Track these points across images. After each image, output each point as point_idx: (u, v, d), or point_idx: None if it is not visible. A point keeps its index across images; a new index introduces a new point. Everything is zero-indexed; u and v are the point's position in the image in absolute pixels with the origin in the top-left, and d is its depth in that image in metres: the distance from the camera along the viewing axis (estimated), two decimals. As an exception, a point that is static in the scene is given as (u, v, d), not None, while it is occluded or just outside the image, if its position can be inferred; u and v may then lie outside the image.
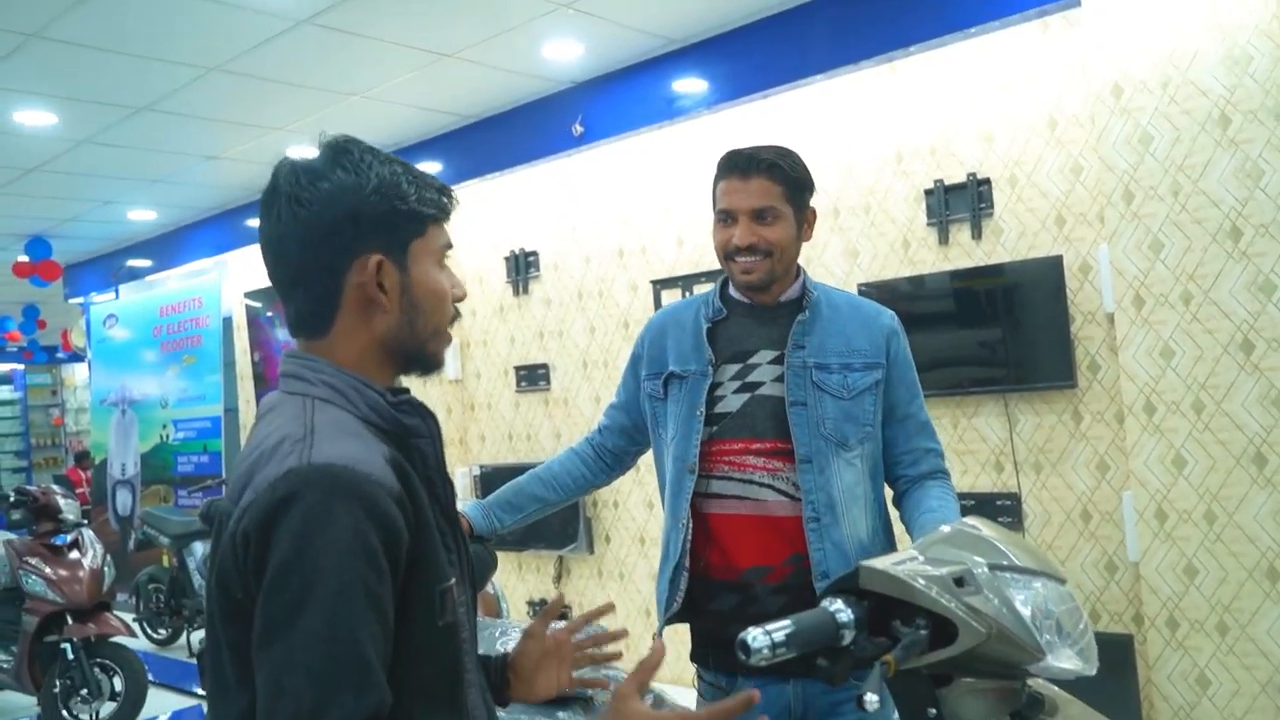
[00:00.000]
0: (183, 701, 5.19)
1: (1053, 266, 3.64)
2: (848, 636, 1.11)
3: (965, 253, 3.91)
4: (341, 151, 1.16)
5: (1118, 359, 3.47)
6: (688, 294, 4.78)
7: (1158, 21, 3.32)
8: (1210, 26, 3.24)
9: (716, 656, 1.90)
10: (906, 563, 1.17)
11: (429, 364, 1.24)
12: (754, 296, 1.93)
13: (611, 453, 2.17)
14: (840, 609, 1.13)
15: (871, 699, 1.01)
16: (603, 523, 5.20)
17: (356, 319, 1.17)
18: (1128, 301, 3.41)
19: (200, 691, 5.11)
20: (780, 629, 1.08)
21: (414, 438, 1.18)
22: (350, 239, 1.14)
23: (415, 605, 1.08)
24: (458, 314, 1.27)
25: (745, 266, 1.87)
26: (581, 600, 5.31)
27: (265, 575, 1.00)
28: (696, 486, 1.89)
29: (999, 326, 3.79)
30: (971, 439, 3.91)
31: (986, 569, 1.18)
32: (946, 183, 3.94)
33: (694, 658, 1.95)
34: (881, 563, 1.16)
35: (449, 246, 1.24)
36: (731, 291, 1.98)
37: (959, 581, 1.15)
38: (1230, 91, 3.22)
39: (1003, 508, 3.83)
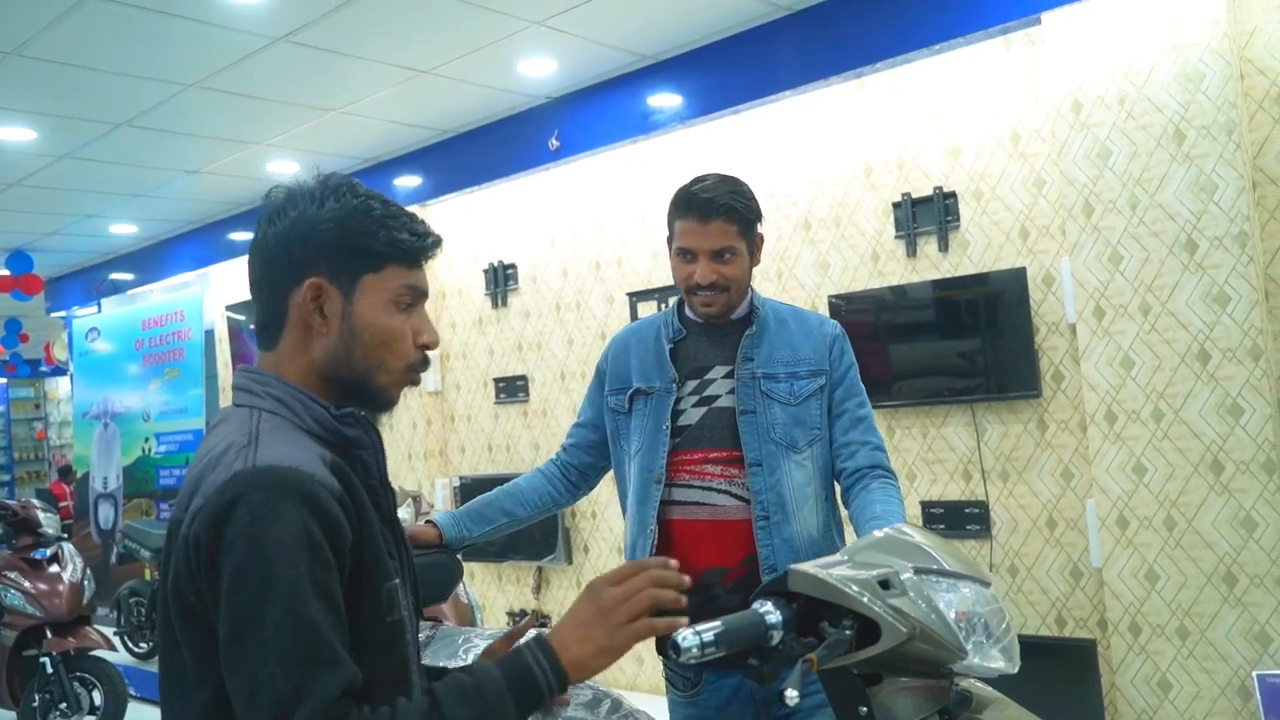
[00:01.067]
0: (162, 714, 5.19)
1: (1017, 278, 3.72)
2: (776, 637, 1.17)
3: (933, 265, 3.98)
4: (320, 183, 1.25)
5: (1080, 369, 3.54)
6: (663, 306, 4.84)
7: (1115, 40, 3.41)
8: (1165, 45, 3.32)
9: None
10: (834, 566, 1.23)
11: (374, 399, 1.27)
12: (710, 320, 2.06)
13: (579, 470, 2.26)
14: (769, 610, 1.18)
15: (791, 694, 1.06)
16: (581, 533, 5.25)
17: (299, 337, 1.23)
18: (1089, 312, 3.49)
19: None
20: (709, 629, 1.13)
21: (356, 449, 1.24)
22: (299, 261, 1.21)
23: (364, 601, 1.14)
24: (425, 361, 1.29)
25: (706, 300, 2.00)
26: (561, 610, 5.35)
27: (221, 578, 1.05)
28: (663, 495, 2.00)
29: (968, 337, 3.86)
30: (940, 448, 3.97)
31: (912, 572, 1.24)
32: (914, 196, 4.02)
33: (659, 650, 2.02)
34: (809, 566, 1.22)
35: (416, 291, 1.26)
36: (688, 312, 2.11)
37: (884, 584, 1.20)
38: (1184, 108, 3.30)
39: (971, 515, 3.90)
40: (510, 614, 5.54)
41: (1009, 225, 3.81)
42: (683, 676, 2.03)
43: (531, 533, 5.22)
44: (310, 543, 1.07)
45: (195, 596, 1.09)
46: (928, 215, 4.00)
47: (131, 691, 4.78)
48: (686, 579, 1.17)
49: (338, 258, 1.21)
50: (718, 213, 1.94)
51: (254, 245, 1.25)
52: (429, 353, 1.29)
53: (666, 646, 1.14)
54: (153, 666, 6.20)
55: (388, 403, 1.28)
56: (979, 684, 1.39)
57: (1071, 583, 3.70)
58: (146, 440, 7.83)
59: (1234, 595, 3.24)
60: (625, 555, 2.11)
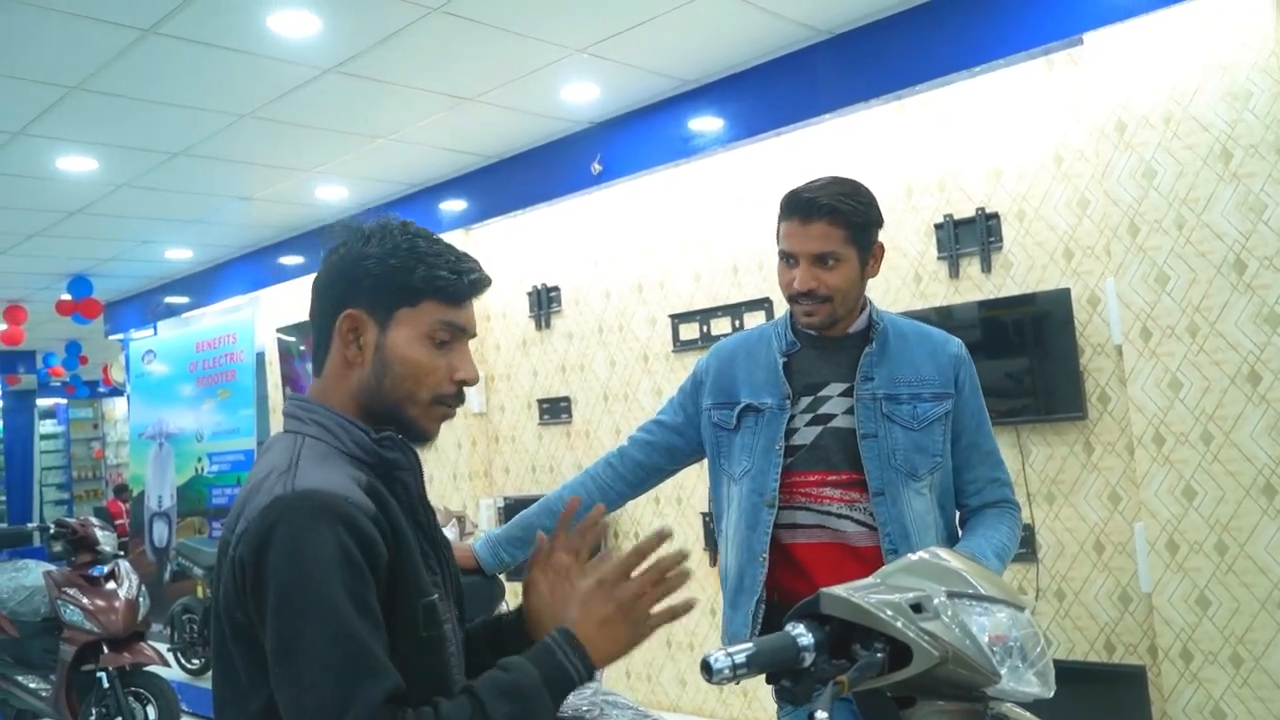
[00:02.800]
0: (213, 730, 5.28)
1: (1061, 299, 3.68)
2: (808, 659, 1.18)
3: (975, 286, 3.97)
4: (376, 224, 1.31)
5: (1126, 390, 3.50)
6: (705, 328, 4.87)
7: (1159, 59, 3.39)
8: (1210, 63, 3.29)
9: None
10: (867, 590, 1.24)
11: (409, 429, 1.31)
12: (820, 330, 1.94)
13: (642, 468, 2.12)
14: (801, 633, 1.19)
15: (821, 716, 1.07)
16: (622, 553, 5.25)
17: (340, 365, 1.30)
18: (1135, 334, 3.45)
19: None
20: (741, 651, 1.15)
21: (396, 470, 1.30)
22: (342, 293, 1.29)
23: (400, 617, 1.19)
24: (458, 396, 1.32)
25: (807, 310, 1.88)
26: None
27: (266, 598, 1.11)
28: (778, 518, 1.89)
29: (1013, 358, 3.83)
30: (984, 470, 3.93)
31: (945, 596, 1.24)
32: (956, 217, 4.01)
33: (771, 680, 1.96)
34: (842, 589, 1.23)
35: (454, 328, 1.30)
36: (799, 324, 1.99)
37: (916, 608, 1.21)
38: (1231, 126, 3.27)
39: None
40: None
41: (1053, 246, 3.78)
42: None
43: (574, 553, 5.23)
44: (348, 560, 1.12)
45: (242, 614, 1.16)
46: (970, 236, 3.98)
47: (184, 707, 4.87)
48: (688, 551, 1.23)
49: (375, 292, 1.27)
50: (820, 213, 1.81)
51: (315, 278, 1.34)
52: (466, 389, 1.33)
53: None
54: (205, 682, 6.31)
55: (422, 434, 1.32)
56: (1016, 709, 1.39)
57: (1120, 608, 3.64)
58: (200, 460, 7.99)
59: (1289, 622, 3.17)
60: (728, 584, 1.99)
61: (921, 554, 1.36)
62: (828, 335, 1.95)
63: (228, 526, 1.21)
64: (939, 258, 4.07)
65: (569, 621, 1.23)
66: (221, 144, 4.88)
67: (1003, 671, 1.24)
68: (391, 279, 1.27)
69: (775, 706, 1.99)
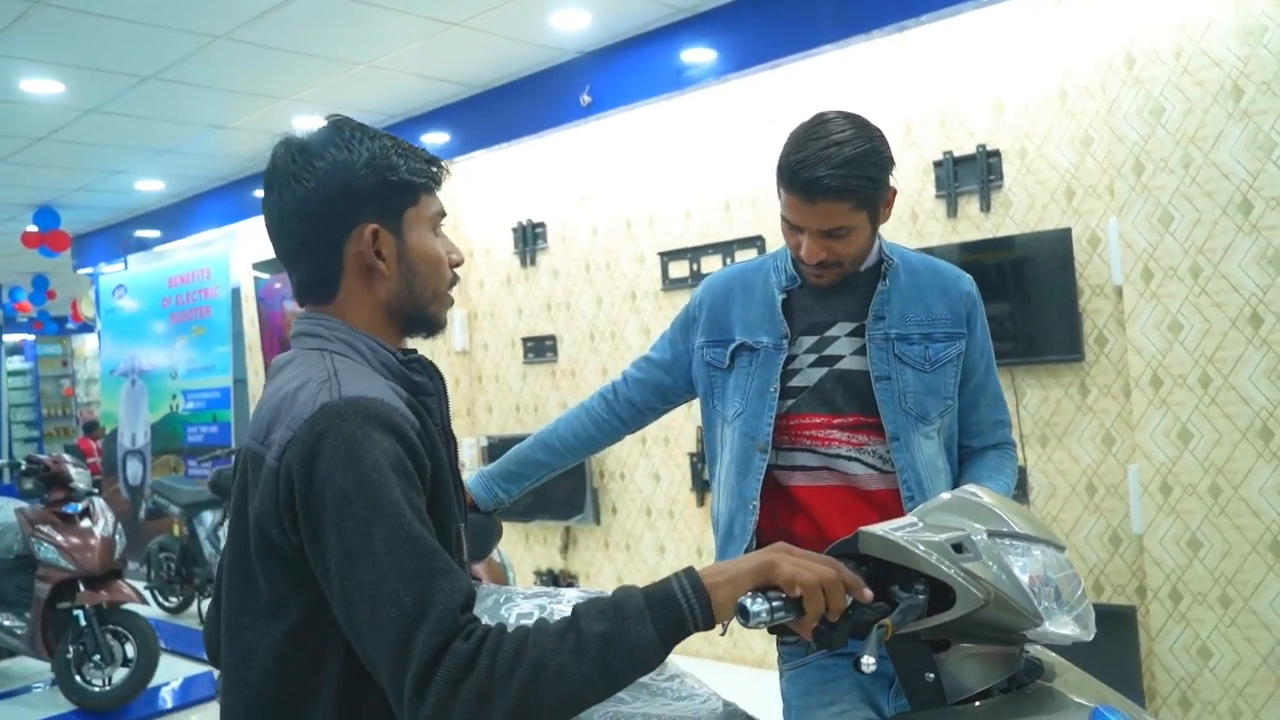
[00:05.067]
0: (194, 668, 5.25)
1: (1061, 239, 3.62)
2: (846, 601, 1.12)
3: (974, 225, 3.89)
4: (334, 130, 1.25)
5: (1125, 332, 3.46)
6: (695, 266, 4.78)
7: (1171, -10, 3.29)
8: (1224, -4, 3.20)
9: None
10: (906, 529, 1.18)
11: (431, 325, 1.32)
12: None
13: (634, 406, 2.05)
14: (839, 573, 1.13)
15: (869, 661, 1.02)
16: (609, 494, 5.23)
17: (359, 285, 1.25)
18: (1136, 275, 3.39)
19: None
20: (778, 594, 1.08)
21: (422, 395, 1.25)
22: (346, 211, 1.22)
23: (439, 537, 1.12)
24: (455, 278, 1.34)
25: (815, 274, 1.77)
26: (588, 570, 5.35)
27: (323, 509, 1.05)
28: (777, 460, 1.80)
29: (1007, 300, 3.78)
30: (977, 412, 3.90)
31: (985, 535, 1.18)
32: (956, 154, 3.92)
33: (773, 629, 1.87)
34: (881, 528, 1.17)
35: (442, 214, 1.31)
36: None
37: (958, 548, 1.15)
38: (1244, 62, 3.18)
39: (1008, 480, 3.84)
40: (538, 573, 5.55)
41: (1054, 185, 3.71)
42: (796, 654, 1.81)
43: (558, 493, 5.21)
44: (403, 469, 1.09)
45: (279, 530, 1.10)
46: (970, 174, 3.90)
47: (163, 645, 4.82)
48: (869, 594, 1.13)
49: (382, 200, 1.23)
50: (824, 194, 1.64)
51: (281, 208, 1.24)
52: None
53: (732, 612, 1.08)
54: (184, 620, 6.27)
55: (441, 324, 1.33)
56: (1047, 652, 1.34)
57: (1110, 549, 3.65)
58: (174, 397, 7.87)
59: (1279, 564, 3.18)
60: (717, 531, 1.91)
61: (956, 492, 1.30)
62: None
63: (254, 437, 1.16)
64: (937, 196, 3.99)
65: (703, 571, 1.11)
66: (194, 68, 4.68)
67: (1042, 613, 1.18)
68: (391, 182, 1.23)
69: (773, 650, 1.93)
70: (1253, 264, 3.19)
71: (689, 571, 1.09)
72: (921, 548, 1.13)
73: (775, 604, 1.07)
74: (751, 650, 4.64)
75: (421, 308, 1.28)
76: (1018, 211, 3.79)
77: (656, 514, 5.04)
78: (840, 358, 1.79)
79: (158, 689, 4.84)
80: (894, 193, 1.76)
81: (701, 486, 4.79)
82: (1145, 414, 3.39)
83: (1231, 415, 3.24)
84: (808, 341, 1.81)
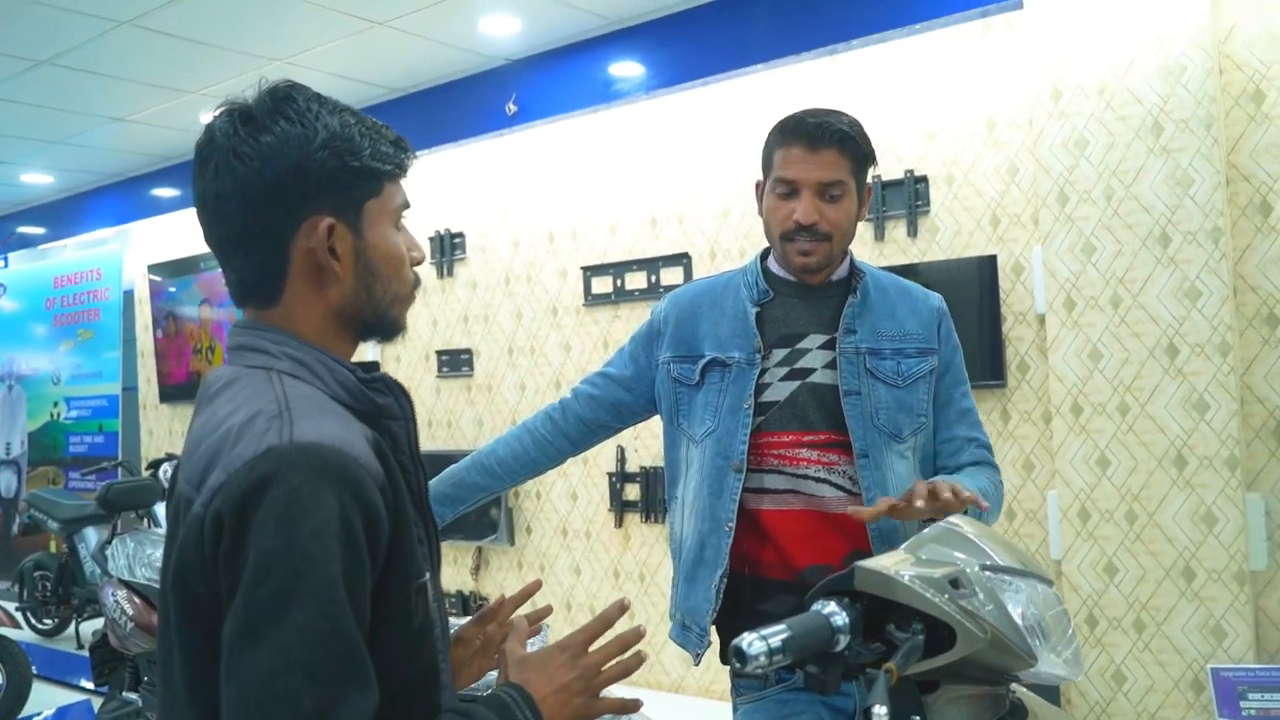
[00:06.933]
0: (69, 696, 4.90)
1: (986, 266, 3.67)
2: (842, 641, 1.05)
3: (900, 249, 3.92)
4: (285, 99, 1.06)
5: (1047, 360, 3.51)
6: (619, 282, 4.70)
7: (1096, 28, 3.37)
8: (1147, 36, 3.29)
9: None
10: (900, 564, 1.12)
11: (390, 330, 1.17)
12: (805, 276, 1.78)
13: (585, 424, 1.95)
14: (834, 612, 1.06)
15: (879, 711, 0.94)
16: (524, 513, 5.09)
17: (308, 287, 1.07)
18: (1059, 303, 3.45)
19: (87, 685, 4.83)
20: (776, 634, 1.00)
21: (386, 419, 1.08)
22: (297, 199, 1.03)
23: (392, 604, 0.98)
24: (418, 279, 1.18)
25: (804, 248, 1.71)
26: (500, 592, 5.19)
27: (242, 566, 0.88)
28: (747, 481, 1.72)
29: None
30: (901, 435, 3.92)
31: (978, 569, 1.13)
32: (884, 179, 3.95)
33: (723, 660, 1.73)
34: (876, 564, 1.10)
35: (406, 205, 1.15)
36: (774, 269, 1.83)
37: (954, 583, 1.09)
38: (1164, 100, 3.28)
39: (929, 504, 3.86)
40: (447, 595, 5.36)
41: (980, 212, 3.76)
42: (754, 690, 1.75)
43: (471, 512, 5.02)
44: (349, 538, 0.91)
45: (204, 587, 0.92)
46: (897, 199, 3.93)
47: (35, 671, 4.48)
48: (644, 631, 1.12)
49: (339, 188, 1.05)
50: (831, 139, 1.67)
51: (216, 188, 1.04)
52: None
53: (729, 655, 1.00)
54: (59, 644, 5.86)
55: (401, 328, 1.18)
56: (1028, 693, 1.30)
57: (1028, 574, 3.69)
58: (56, 405, 7.41)
59: (1191, 590, 3.25)
60: (684, 554, 1.82)
61: (941, 523, 1.24)
62: (808, 282, 1.79)
63: (188, 480, 0.97)
64: (865, 220, 4.00)
65: (523, 683, 1.06)
66: (94, 54, 4.40)
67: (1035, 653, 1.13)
68: (352, 168, 1.05)
69: (726, 683, 1.86)
70: (1170, 296, 3.28)
71: (523, 695, 1.04)
72: (920, 585, 1.07)
73: (774, 645, 0.99)
74: (668, 675, 4.56)
75: (380, 313, 1.12)
76: (944, 238, 3.83)
77: (573, 534, 4.92)
78: (812, 370, 1.75)
79: (30, 719, 4.49)
80: (870, 190, 1.80)
81: (620, 507, 4.69)
82: (1065, 440, 3.45)
83: (1148, 443, 3.32)
84: (780, 354, 1.77)
